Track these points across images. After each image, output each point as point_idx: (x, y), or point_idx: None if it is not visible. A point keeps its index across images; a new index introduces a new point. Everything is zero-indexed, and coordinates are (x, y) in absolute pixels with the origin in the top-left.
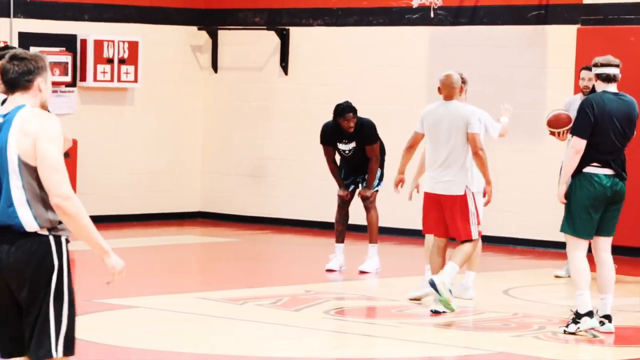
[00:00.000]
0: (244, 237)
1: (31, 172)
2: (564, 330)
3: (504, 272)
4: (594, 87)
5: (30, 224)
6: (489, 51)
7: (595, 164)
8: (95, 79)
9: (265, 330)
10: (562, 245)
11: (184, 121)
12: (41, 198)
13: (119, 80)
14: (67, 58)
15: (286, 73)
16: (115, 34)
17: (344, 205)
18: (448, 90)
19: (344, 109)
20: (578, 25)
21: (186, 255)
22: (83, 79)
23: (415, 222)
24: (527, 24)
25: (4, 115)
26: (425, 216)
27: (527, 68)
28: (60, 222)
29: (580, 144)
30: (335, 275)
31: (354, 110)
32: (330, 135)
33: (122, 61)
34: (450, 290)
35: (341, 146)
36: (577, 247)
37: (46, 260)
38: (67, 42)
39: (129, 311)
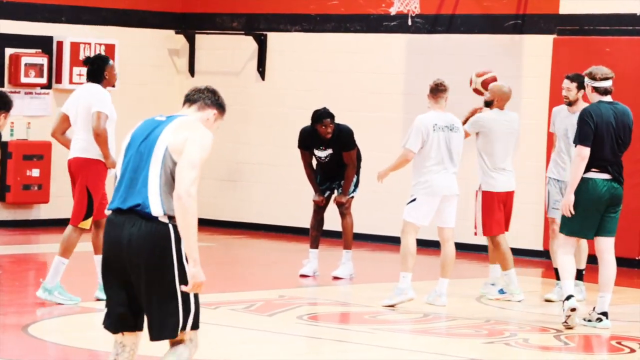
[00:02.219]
0: (218, 241)
1: (171, 165)
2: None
3: (478, 279)
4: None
5: (157, 210)
6: (465, 59)
7: (594, 169)
8: (71, 81)
9: (238, 335)
10: (534, 253)
11: None
12: (171, 189)
13: None
14: (43, 60)
15: (263, 78)
16: (92, 36)
17: (319, 210)
18: (503, 100)
19: (321, 115)
20: (554, 35)
21: None
22: (59, 81)
23: (390, 229)
24: (503, 33)
25: (168, 117)
26: (491, 217)
27: (503, 77)
28: None
29: (584, 152)
30: (308, 281)
31: (332, 116)
32: (307, 140)
33: None
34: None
35: (318, 152)
36: (565, 245)
37: (166, 247)
38: (44, 43)
39: (102, 314)
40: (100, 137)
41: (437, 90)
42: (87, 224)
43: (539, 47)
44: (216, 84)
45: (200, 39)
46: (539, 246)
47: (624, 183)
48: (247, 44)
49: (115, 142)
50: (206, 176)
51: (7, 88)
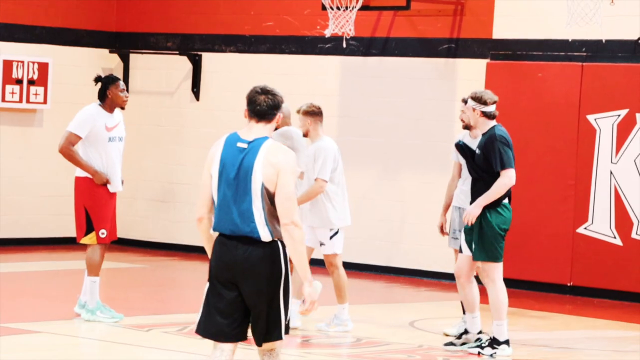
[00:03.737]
0: (151, 262)
1: (270, 195)
2: (479, 352)
3: (411, 303)
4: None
5: (266, 236)
6: (399, 82)
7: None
8: (3, 100)
9: (171, 358)
10: None
11: None
12: (275, 217)
13: (28, 101)
14: None
15: (198, 98)
16: (25, 54)
17: None
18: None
19: None
20: (487, 60)
21: None
22: None
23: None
24: (437, 57)
25: (249, 143)
26: None
27: (437, 100)
28: None
29: (514, 175)
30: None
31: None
32: None
33: (31, 82)
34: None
35: None
36: (500, 275)
37: (275, 262)
38: None
39: (32, 336)
40: (65, 157)
41: (319, 114)
42: (91, 239)
43: (473, 71)
44: (150, 103)
45: (135, 58)
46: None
47: (555, 209)
48: (181, 64)
49: (118, 159)
50: (139, 197)
51: None
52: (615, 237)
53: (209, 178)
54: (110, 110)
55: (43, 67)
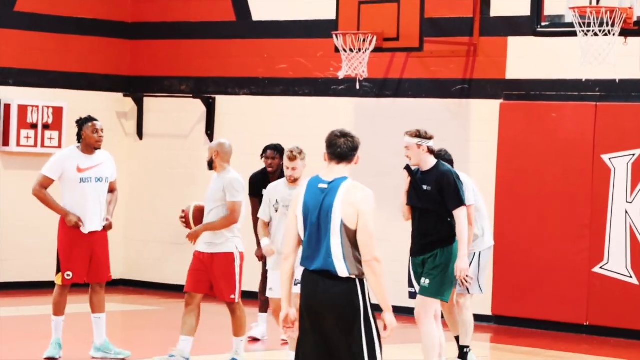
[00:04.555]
0: (166, 305)
1: (349, 233)
2: None
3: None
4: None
5: (343, 272)
6: (413, 123)
7: None
8: (18, 144)
9: None
10: (482, 318)
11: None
12: (353, 253)
13: (42, 145)
14: None
15: (212, 141)
16: (40, 99)
17: (267, 275)
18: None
19: (267, 147)
20: (501, 100)
21: (108, 324)
22: (6, 143)
23: None
24: (451, 98)
25: (329, 183)
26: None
27: (451, 141)
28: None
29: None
30: (257, 345)
31: (277, 149)
32: (258, 185)
33: (46, 126)
34: None
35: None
36: (433, 312)
37: (353, 297)
38: None
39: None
40: (37, 199)
41: None
42: (58, 279)
43: (486, 111)
44: (164, 146)
45: (149, 101)
46: (487, 311)
47: (571, 248)
48: (195, 107)
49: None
50: (152, 239)
51: None
52: (631, 277)
53: (294, 219)
54: (87, 151)
55: (57, 112)
